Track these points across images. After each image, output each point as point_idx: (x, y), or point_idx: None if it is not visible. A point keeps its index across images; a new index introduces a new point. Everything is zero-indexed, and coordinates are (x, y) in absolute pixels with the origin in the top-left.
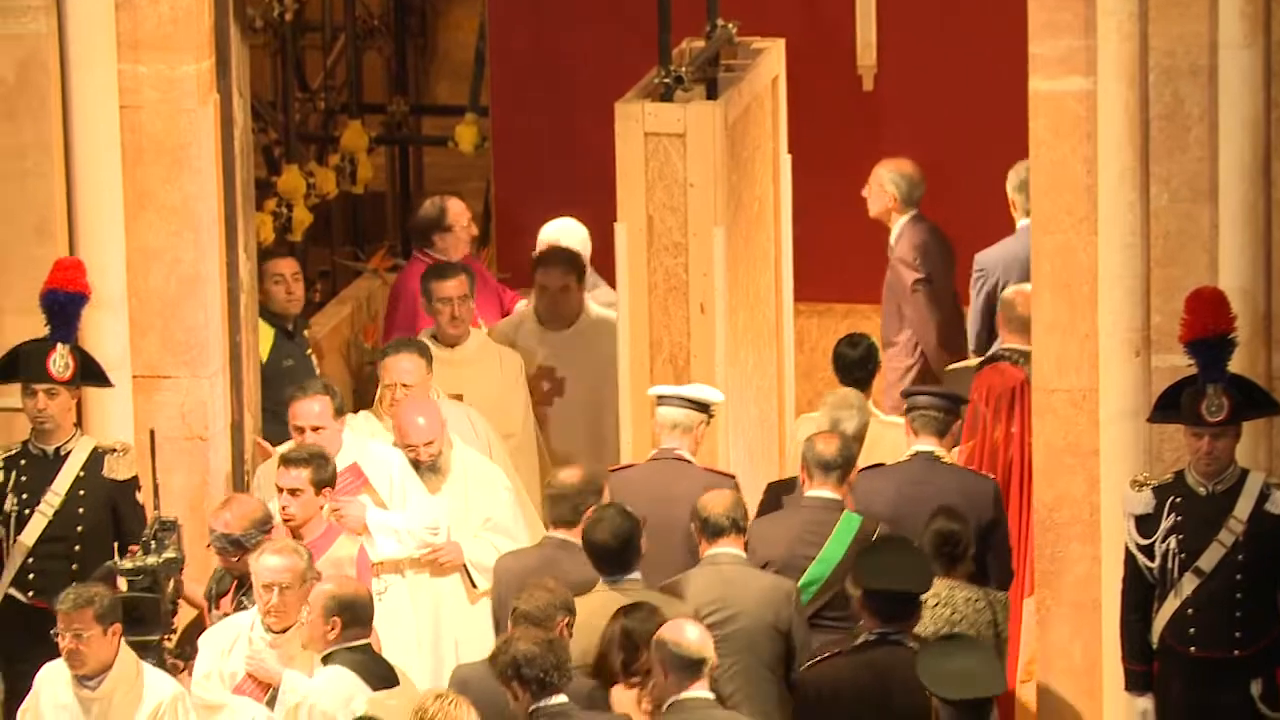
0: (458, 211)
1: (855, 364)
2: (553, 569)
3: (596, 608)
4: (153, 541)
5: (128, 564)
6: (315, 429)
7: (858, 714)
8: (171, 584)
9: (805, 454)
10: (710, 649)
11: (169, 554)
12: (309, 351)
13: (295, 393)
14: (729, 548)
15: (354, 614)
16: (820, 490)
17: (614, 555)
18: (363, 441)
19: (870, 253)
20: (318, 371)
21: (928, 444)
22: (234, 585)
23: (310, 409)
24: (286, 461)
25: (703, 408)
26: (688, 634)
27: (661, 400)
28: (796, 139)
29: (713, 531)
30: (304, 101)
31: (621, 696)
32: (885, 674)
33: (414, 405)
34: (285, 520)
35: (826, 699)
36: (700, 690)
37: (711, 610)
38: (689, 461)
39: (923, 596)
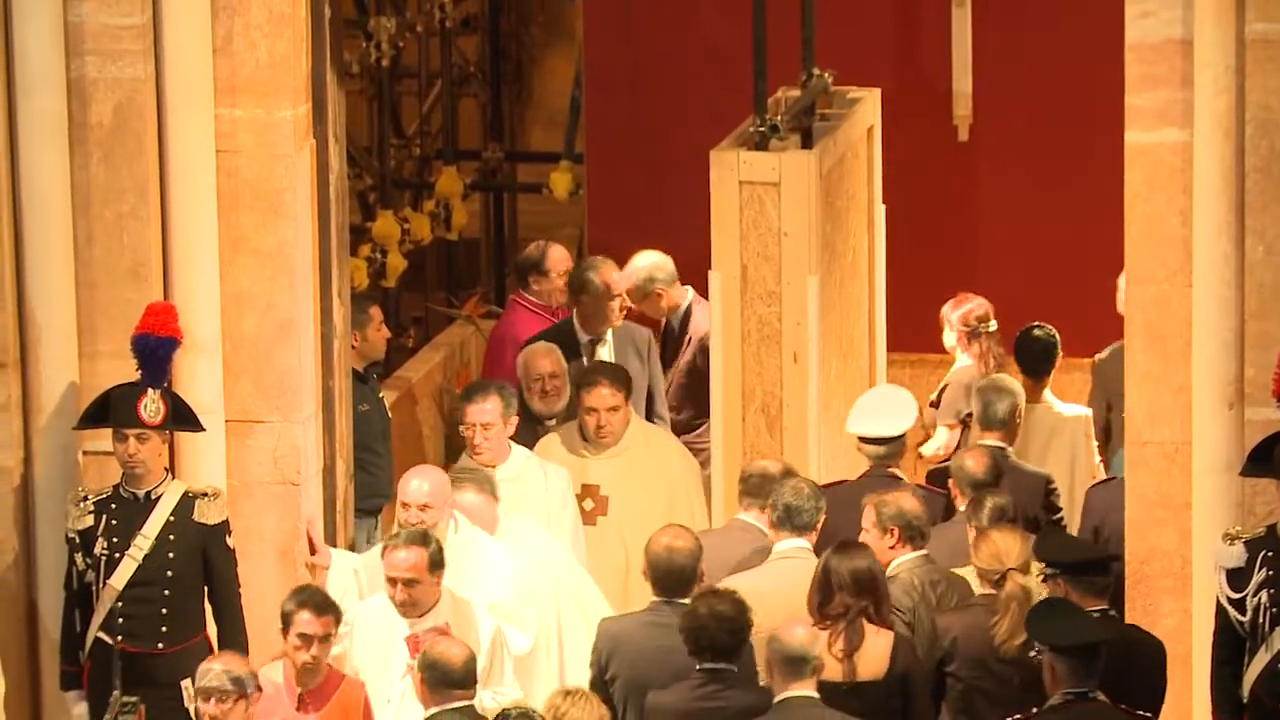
0: (557, 258)
1: (1039, 354)
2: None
3: None
4: None
5: None
6: (407, 582)
7: None
8: None
9: (954, 472)
10: (818, 649)
11: None
12: (381, 395)
13: (388, 541)
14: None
15: (436, 674)
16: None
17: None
18: (460, 601)
19: None
20: (390, 417)
21: None
22: None
23: (404, 559)
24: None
25: (903, 435)
26: (795, 633)
27: (865, 440)
28: (891, 189)
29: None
30: (399, 147)
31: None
32: None
33: (421, 469)
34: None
35: None
36: (805, 689)
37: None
38: (900, 479)
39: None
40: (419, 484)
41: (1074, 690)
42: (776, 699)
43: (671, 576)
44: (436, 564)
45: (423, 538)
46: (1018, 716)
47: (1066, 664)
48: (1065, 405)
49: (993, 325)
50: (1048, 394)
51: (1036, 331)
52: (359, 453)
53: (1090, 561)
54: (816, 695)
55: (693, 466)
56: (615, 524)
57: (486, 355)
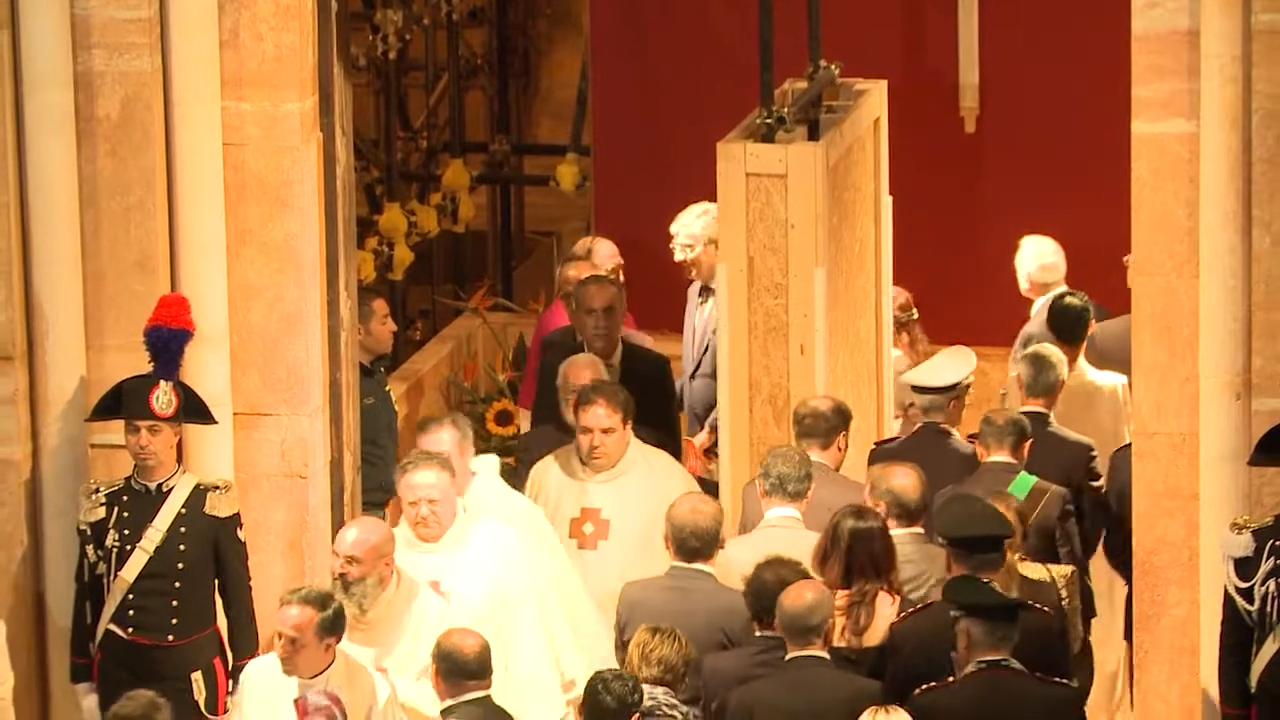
0: (606, 253)
1: (1073, 320)
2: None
3: None
4: None
5: None
6: (291, 640)
7: None
8: None
9: (981, 428)
10: (826, 612)
11: None
12: (387, 389)
13: (287, 594)
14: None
15: (449, 664)
16: (997, 456)
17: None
18: (355, 666)
19: (970, 294)
20: (397, 410)
21: None
22: None
23: (293, 616)
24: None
25: (953, 387)
26: (804, 598)
27: (915, 389)
28: (898, 180)
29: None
30: (406, 140)
31: None
32: (1010, 700)
33: (362, 521)
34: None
35: None
36: (814, 651)
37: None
38: (949, 433)
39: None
40: (354, 535)
41: (987, 659)
42: (786, 658)
43: (696, 537)
44: (329, 629)
45: (322, 600)
46: (933, 684)
47: (980, 627)
48: (1099, 373)
49: (914, 314)
50: (1081, 361)
51: (1069, 298)
52: (364, 446)
53: (977, 538)
54: (826, 655)
55: (695, 490)
56: (615, 548)
57: (531, 349)
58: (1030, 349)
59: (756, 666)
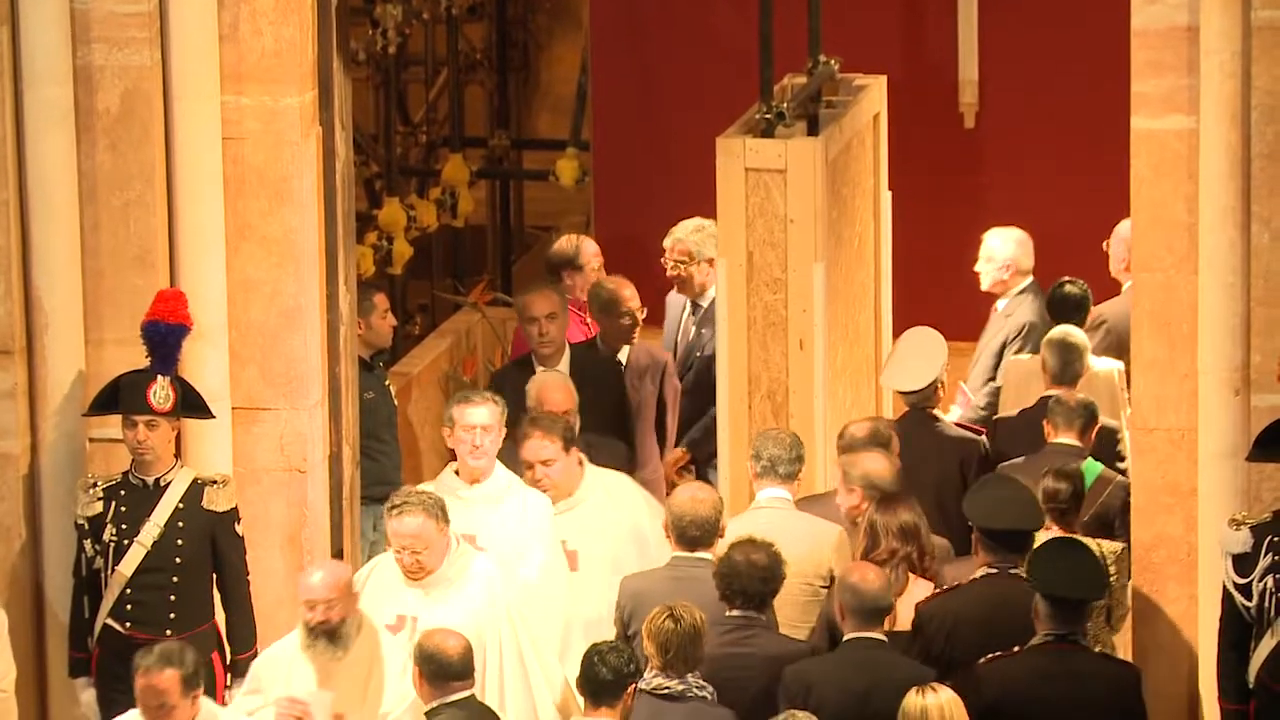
0: (592, 253)
1: (1072, 308)
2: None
3: None
4: None
5: None
6: (159, 706)
7: (1042, 713)
8: None
9: (1051, 407)
10: (890, 597)
11: None
12: (387, 383)
13: (140, 658)
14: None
15: (432, 666)
16: (1064, 438)
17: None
18: (214, 713)
19: (969, 289)
20: (396, 404)
21: None
22: None
23: (160, 679)
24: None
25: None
26: (869, 579)
27: (900, 392)
28: (897, 176)
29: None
30: (406, 135)
31: None
32: (1071, 675)
33: (322, 562)
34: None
35: (1009, 699)
36: (874, 634)
37: None
38: (936, 417)
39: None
40: (322, 577)
41: (1055, 632)
42: (845, 638)
43: (696, 525)
44: (191, 683)
45: (180, 656)
46: (998, 654)
47: (1048, 607)
48: (1097, 360)
49: None
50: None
51: (1069, 286)
52: (365, 440)
53: (1004, 532)
54: (884, 638)
55: (658, 510)
56: (586, 577)
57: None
58: (1056, 336)
59: (724, 646)
